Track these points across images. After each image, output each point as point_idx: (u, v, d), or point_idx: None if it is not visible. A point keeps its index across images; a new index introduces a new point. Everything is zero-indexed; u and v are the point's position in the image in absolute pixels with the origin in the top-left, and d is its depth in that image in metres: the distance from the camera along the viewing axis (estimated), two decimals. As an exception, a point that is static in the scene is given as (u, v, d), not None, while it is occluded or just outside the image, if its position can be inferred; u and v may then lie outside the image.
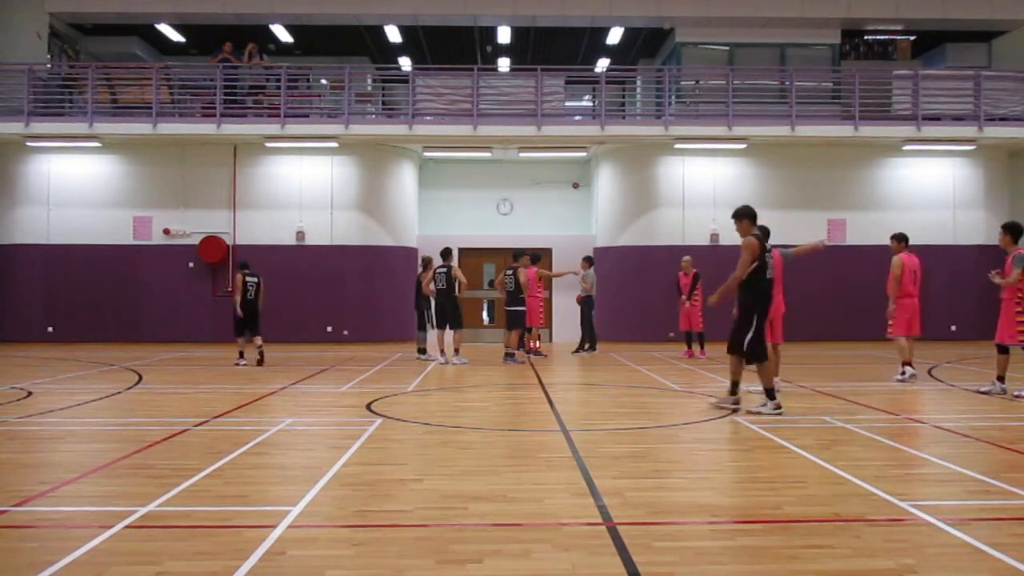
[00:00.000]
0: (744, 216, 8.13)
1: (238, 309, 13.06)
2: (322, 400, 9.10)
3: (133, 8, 18.12)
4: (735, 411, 7.96)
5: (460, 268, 14.75)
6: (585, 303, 15.74)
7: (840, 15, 18.52)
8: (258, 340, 13.16)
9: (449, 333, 13.93)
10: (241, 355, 13.27)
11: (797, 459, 5.86)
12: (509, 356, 13.78)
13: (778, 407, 7.88)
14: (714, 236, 18.53)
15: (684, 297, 14.75)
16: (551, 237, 19.78)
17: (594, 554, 3.80)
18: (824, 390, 9.71)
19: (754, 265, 7.82)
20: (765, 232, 8.64)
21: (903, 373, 10.61)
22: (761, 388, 8.18)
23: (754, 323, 7.82)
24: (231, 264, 18.32)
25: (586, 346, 15.71)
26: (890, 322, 10.71)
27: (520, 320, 14.02)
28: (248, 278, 13.20)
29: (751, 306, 7.88)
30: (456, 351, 13.91)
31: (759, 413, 7.80)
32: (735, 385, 8.16)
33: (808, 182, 18.75)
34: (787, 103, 17.67)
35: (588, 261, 15.90)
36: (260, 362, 13.00)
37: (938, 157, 18.81)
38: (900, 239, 10.80)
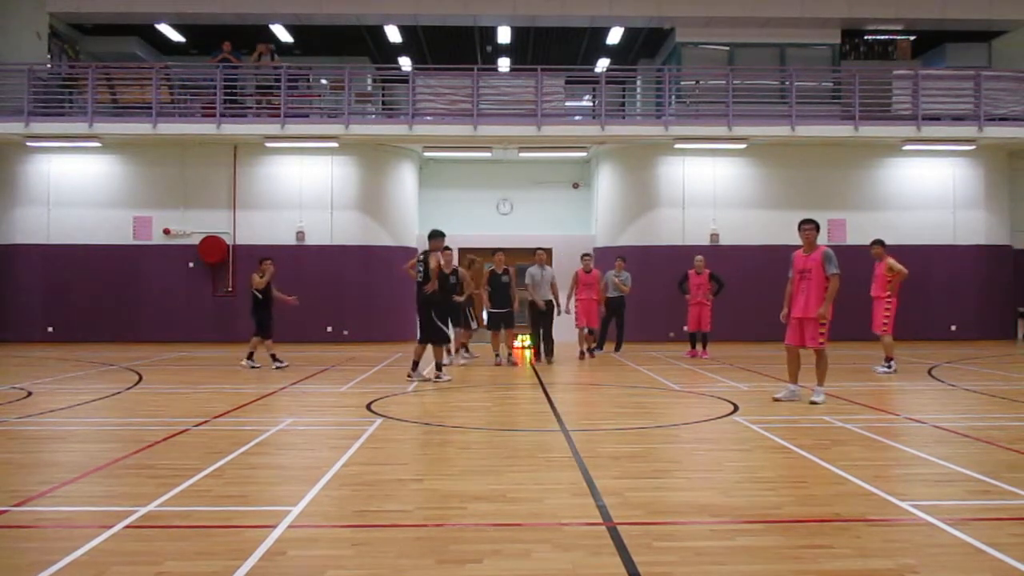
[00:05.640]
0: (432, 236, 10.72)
1: None
2: (322, 400, 9.10)
3: (133, 8, 18.10)
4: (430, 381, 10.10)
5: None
6: (621, 303, 15.70)
7: (840, 15, 18.50)
8: None
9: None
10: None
11: (797, 459, 5.86)
12: (508, 357, 13.77)
13: (439, 376, 10.32)
14: (714, 236, 18.53)
15: (709, 296, 14.65)
16: (551, 237, 19.73)
17: (594, 554, 3.80)
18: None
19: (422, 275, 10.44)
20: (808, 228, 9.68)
21: (889, 366, 11.63)
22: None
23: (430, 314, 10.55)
24: (231, 264, 18.33)
25: (609, 346, 15.73)
26: (885, 321, 11.71)
27: (506, 320, 13.75)
28: None
29: (424, 303, 10.58)
30: (457, 350, 13.93)
31: (430, 379, 10.33)
32: (416, 364, 10.81)
33: (808, 182, 18.73)
34: (787, 103, 17.65)
35: (623, 260, 15.89)
36: None
37: (938, 157, 18.79)
38: (883, 244, 11.95)
